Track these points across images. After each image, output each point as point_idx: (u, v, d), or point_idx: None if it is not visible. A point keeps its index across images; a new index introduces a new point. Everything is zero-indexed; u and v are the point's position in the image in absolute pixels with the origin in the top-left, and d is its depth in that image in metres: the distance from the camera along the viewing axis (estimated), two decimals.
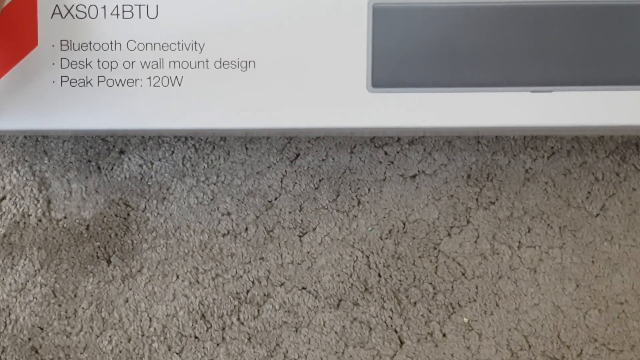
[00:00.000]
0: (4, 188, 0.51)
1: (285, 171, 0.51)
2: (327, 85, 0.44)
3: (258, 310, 0.51)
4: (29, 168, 0.51)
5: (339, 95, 0.44)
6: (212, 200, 0.51)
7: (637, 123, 0.43)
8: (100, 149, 0.51)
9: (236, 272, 0.51)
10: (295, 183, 0.51)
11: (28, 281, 0.51)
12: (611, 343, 0.51)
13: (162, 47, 0.44)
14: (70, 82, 0.44)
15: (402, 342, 0.51)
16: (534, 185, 0.51)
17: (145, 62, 0.44)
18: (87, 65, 0.44)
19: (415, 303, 0.51)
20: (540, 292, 0.51)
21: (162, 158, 0.51)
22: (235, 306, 0.51)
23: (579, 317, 0.50)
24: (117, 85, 0.44)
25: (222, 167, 0.51)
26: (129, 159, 0.51)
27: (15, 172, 0.51)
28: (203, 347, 0.51)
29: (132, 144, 0.51)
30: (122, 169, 0.51)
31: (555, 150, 0.51)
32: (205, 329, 0.51)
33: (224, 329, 0.51)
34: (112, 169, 0.51)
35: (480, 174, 0.51)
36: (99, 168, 0.51)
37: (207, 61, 0.44)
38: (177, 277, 0.51)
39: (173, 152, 0.51)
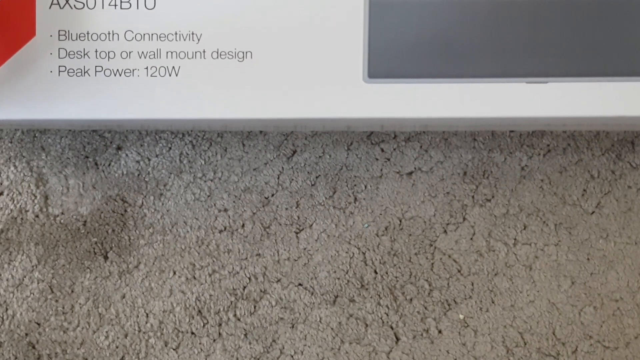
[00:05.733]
0: (1, 184, 0.51)
1: (282, 168, 0.51)
2: (323, 76, 0.44)
3: (254, 307, 0.51)
4: (27, 164, 0.51)
5: (335, 86, 0.44)
6: (209, 196, 0.51)
7: (632, 114, 0.44)
8: (97, 145, 0.51)
9: (233, 268, 0.51)
10: (292, 180, 0.51)
11: (25, 277, 0.51)
12: (606, 340, 0.50)
13: (160, 37, 0.44)
14: (68, 72, 0.44)
15: (397, 339, 0.51)
16: (530, 183, 0.51)
17: (142, 52, 0.44)
18: (84, 55, 0.44)
19: (411, 300, 0.51)
20: (535, 289, 0.51)
21: (159, 154, 0.51)
22: (231, 302, 0.51)
23: (574, 314, 0.51)
24: (115, 75, 0.44)
25: (219, 163, 0.51)
26: (127, 155, 0.51)
27: (12, 168, 0.51)
28: (199, 343, 0.51)
29: (130, 140, 0.51)
30: (119, 165, 0.51)
31: (551, 148, 0.51)
32: (202, 324, 0.51)
33: (220, 325, 0.51)
34: (109, 165, 0.51)
35: (476, 171, 0.51)
36: (96, 164, 0.51)
37: (204, 51, 0.44)
38: (174, 273, 0.51)
39: (170, 148, 0.51)
